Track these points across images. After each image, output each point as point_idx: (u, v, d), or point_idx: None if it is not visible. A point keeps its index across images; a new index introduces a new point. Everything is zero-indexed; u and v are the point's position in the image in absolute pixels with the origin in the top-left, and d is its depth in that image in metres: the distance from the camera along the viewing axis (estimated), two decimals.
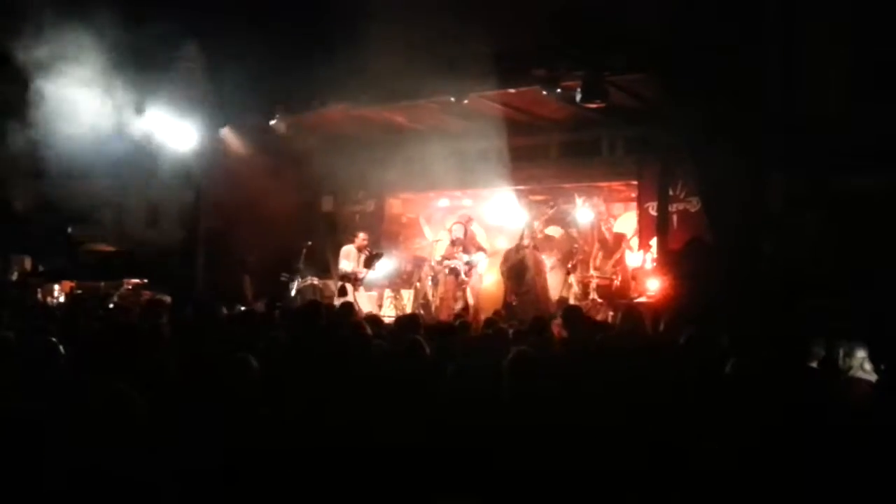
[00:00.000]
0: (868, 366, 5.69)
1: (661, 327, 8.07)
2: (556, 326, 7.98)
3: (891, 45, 9.43)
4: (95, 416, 3.46)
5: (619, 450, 3.92)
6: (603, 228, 14.14)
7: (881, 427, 4.14)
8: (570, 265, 13.73)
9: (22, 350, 4.96)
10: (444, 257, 13.29)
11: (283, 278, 13.70)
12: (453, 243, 13.15)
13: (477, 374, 4.89)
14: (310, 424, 4.20)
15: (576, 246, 13.94)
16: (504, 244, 13.60)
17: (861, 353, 5.74)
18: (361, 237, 13.30)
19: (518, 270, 12.41)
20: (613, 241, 13.89)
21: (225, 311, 8.95)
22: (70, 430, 3.51)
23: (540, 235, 13.66)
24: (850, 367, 5.71)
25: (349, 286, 12.81)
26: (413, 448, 3.90)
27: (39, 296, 16.25)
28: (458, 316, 10.70)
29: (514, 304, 12.37)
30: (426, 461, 3.84)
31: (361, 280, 13.09)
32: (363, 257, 13.08)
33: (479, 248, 13.14)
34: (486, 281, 13.78)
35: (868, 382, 5.56)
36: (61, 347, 4.82)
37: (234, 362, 4.59)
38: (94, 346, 5.82)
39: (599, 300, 13.00)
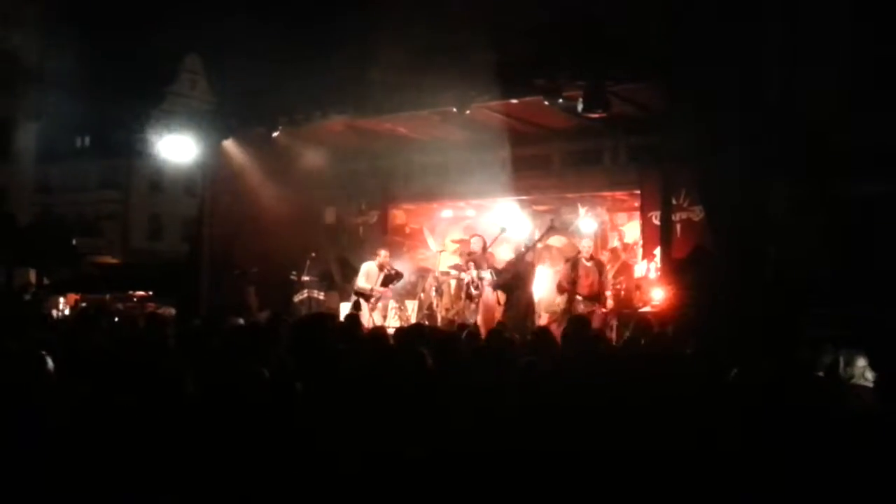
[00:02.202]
0: (870, 374, 5.69)
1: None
2: (559, 336, 7.98)
3: (891, 49, 9.43)
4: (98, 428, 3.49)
5: (626, 459, 3.93)
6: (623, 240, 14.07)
7: (882, 433, 4.14)
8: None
9: (14, 363, 4.96)
10: (457, 268, 13.23)
11: (292, 276, 13.75)
12: (469, 255, 13.03)
13: (482, 384, 4.90)
14: (316, 435, 4.21)
15: (576, 255, 13.91)
16: (507, 254, 13.58)
17: (862, 362, 5.73)
18: (383, 255, 13.06)
19: (509, 287, 12.35)
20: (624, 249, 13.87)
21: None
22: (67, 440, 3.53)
23: (540, 245, 13.61)
24: (852, 376, 5.70)
25: (363, 301, 12.74)
26: (415, 460, 3.90)
27: (45, 309, 16.30)
28: (462, 327, 10.68)
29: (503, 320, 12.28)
30: (429, 473, 3.85)
31: (377, 300, 13.01)
32: (382, 276, 12.98)
33: (491, 267, 12.90)
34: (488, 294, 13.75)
35: (870, 390, 5.55)
36: (49, 360, 4.81)
37: (246, 374, 4.61)
38: (101, 360, 5.83)
39: (604, 310, 12.95)
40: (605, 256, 14.21)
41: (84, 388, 4.53)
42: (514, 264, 12.51)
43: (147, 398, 4.15)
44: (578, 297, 12.04)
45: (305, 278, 13.83)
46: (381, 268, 12.94)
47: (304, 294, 13.83)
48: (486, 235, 13.13)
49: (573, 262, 12.37)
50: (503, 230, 13.25)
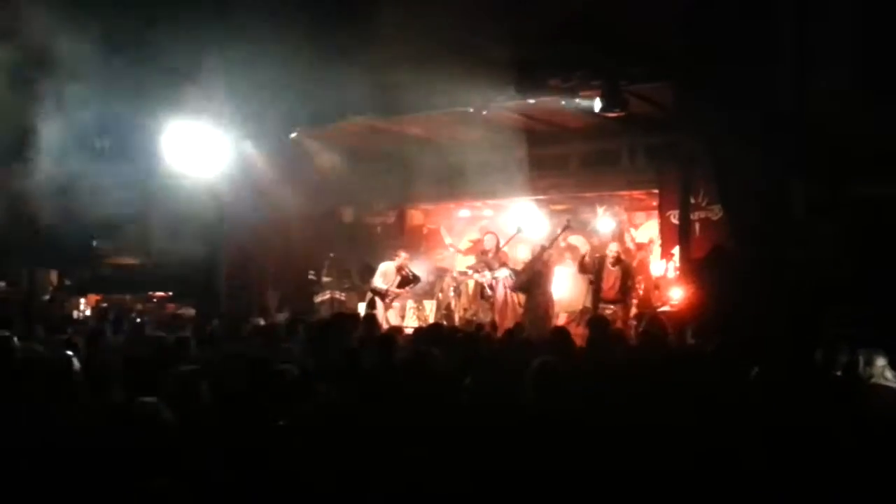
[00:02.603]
0: (889, 374, 5.65)
1: (690, 337, 8.06)
2: (578, 336, 7.99)
3: None
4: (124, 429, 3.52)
5: (642, 458, 3.92)
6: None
7: None
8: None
9: (41, 364, 5.02)
10: (473, 268, 13.24)
11: (311, 276, 13.80)
12: (482, 254, 13.01)
13: (498, 384, 4.91)
14: (330, 435, 4.23)
15: (597, 255, 13.89)
16: (524, 254, 13.58)
17: (882, 361, 5.69)
18: (403, 256, 13.13)
19: (527, 287, 12.33)
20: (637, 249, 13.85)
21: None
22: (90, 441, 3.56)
23: (563, 244, 13.57)
24: (872, 375, 5.67)
25: (378, 300, 12.77)
26: (427, 461, 3.90)
27: (66, 309, 16.44)
28: (479, 327, 10.69)
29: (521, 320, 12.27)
30: (442, 475, 3.85)
31: (392, 300, 13.02)
32: (399, 278, 12.98)
33: (503, 264, 12.86)
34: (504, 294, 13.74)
35: (891, 390, 5.52)
36: (76, 361, 4.86)
37: (272, 374, 4.64)
38: (122, 360, 5.89)
39: (630, 314, 12.88)
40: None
41: (108, 388, 4.58)
42: (531, 265, 12.50)
43: (167, 399, 4.18)
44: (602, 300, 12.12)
45: (325, 279, 13.87)
46: (399, 269, 12.95)
47: (327, 295, 13.89)
48: (502, 235, 13.11)
49: (599, 262, 12.41)
50: (519, 230, 13.24)
